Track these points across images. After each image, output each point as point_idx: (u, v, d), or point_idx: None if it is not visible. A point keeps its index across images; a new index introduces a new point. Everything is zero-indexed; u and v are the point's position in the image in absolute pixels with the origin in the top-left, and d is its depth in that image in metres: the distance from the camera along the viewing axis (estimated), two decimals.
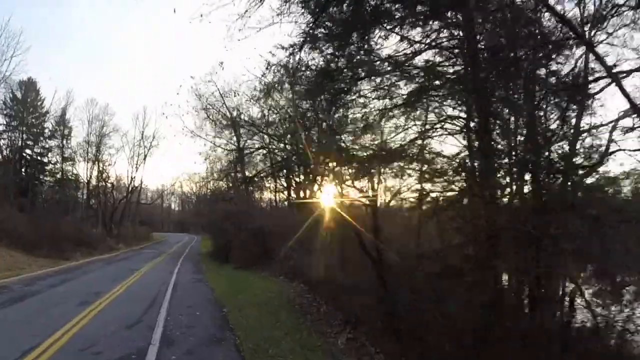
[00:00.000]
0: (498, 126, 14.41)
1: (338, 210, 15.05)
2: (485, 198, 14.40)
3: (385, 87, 14.24)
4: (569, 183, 13.16)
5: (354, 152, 13.37)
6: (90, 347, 8.58)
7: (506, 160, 14.37)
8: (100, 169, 54.09)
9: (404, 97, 14.67)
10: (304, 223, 22.42)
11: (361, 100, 14.06)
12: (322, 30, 12.70)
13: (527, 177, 14.14)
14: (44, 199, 50.54)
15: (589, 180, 13.08)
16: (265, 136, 14.80)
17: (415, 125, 15.70)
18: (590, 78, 12.87)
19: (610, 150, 11.71)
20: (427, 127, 15.67)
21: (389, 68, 13.57)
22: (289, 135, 14.17)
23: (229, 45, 14.01)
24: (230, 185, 37.40)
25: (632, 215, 11.20)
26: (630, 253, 11.09)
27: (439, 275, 13.95)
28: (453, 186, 15.30)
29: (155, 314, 12.06)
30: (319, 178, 14.26)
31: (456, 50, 13.80)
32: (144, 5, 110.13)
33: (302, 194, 30.35)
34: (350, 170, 14.10)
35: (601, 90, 12.79)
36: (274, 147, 16.01)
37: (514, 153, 14.39)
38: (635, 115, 10.58)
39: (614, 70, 11.27)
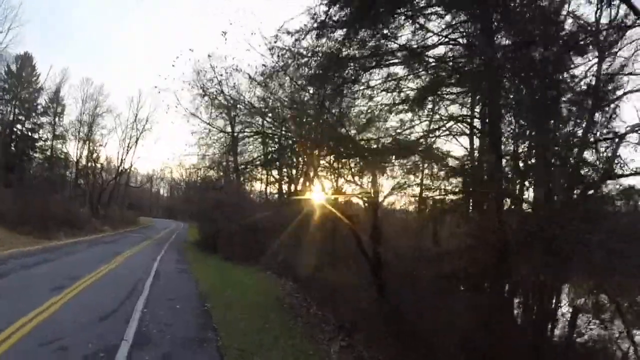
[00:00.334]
0: (510, 129, 13.74)
1: (333, 206, 14.27)
2: (495, 202, 13.76)
3: (395, 79, 13.44)
4: (584, 192, 12.55)
5: (363, 144, 12.45)
6: (55, 342, 7.65)
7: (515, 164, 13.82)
8: (91, 148, 53.69)
9: (414, 91, 13.89)
10: (295, 218, 21.67)
11: (368, 92, 13.25)
12: (336, 11, 11.90)
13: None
14: (32, 175, 49.44)
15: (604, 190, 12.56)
16: (264, 120, 13.96)
17: (423, 123, 15.00)
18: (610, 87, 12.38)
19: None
20: (435, 126, 14.93)
21: (401, 59, 12.76)
22: (289, 123, 13.10)
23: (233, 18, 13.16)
24: (222, 174, 36.51)
25: None
26: None
27: (445, 278, 13.28)
28: (459, 188, 14.68)
29: (132, 305, 11.10)
30: (314, 171, 13.26)
31: (472, 48, 13.07)
32: None
33: (294, 188, 29.57)
34: (352, 165, 13.35)
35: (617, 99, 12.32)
36: (271, 132, 15.02)
37: (525, 157, 13.71)
38: None
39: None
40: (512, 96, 13.08)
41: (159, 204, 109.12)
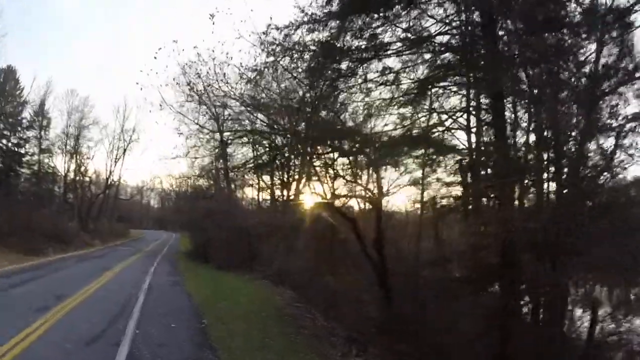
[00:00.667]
0: (515, 123, 13.14)
1: (331, 210, 13.60)
2: (499, 199, 13.18)
3: (393, 72, 12.81)
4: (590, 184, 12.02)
5: (370, 136, 11.76)
6: None
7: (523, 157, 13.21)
8: (79, 162, 52.73)
9: (413, 84, 13.29)
10: (289, 223, 21.01)
11: (366, 86, 12.58)
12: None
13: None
14: (19, 191, 48.41)
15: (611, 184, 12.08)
16: (257, 118, 13.26)
17: (421, 118, 14.41)
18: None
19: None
20: (435, 121, 14.34)
21: (401, 48, 12.14)
22: (284, 120, 12.32)
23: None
24: (212, 182, 35.78)
25: None
26: None
27: (452, 281, 12.69)
28: (464, 184, 14.08)
29: (123, 325, 10.27)
30: (310, 173, 12.55)
31: (474, 36, 12.50)
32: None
33: (287, 193, 28.87)
34: (353, 162, 12.65)
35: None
36: (264, 131, 14.18)
37: (532, 152, 13.12)
38: None
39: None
40: (517, 87, 12.59)
41: (150, 215, 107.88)
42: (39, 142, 49.64)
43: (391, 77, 12.84)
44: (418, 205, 16.93)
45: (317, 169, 12.34)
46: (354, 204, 16.07)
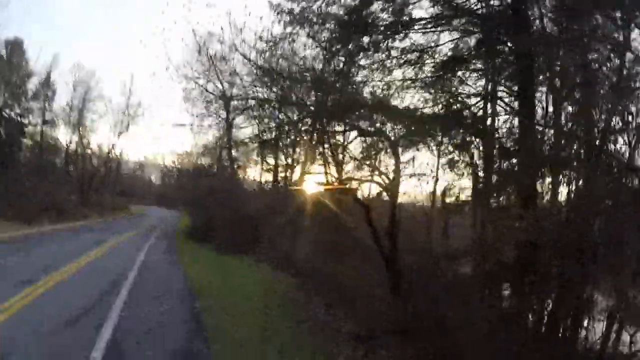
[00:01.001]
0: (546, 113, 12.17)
1: (343, 193, 12.67)
2: (520, 193, 12.33)
3: (418, 50, 11.81)
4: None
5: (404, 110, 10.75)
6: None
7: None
8: (81, 134, 52.35)
9: (437, 65, 12.31)
10: (294, 206, 20.16)
11: (390, 63, 11.56)
12: None
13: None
14: (20, 161, 47.79)
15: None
16: (270, 89, 12.15)
17: (443, 102, 13.46)
18: None
19: None
20: (458, 107, 13.38)
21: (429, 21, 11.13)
22: (300, 92, 11.25)
23: None
24: (215, 162, 35.48)
25: None
26: None
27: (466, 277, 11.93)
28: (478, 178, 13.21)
29: (109, 304, 9.33)
30: (325, 152, 11.55)
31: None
32: None
33: (291, 175, 27.97)
34: (369, 143, 11.66)
35: None
36: (275, 101, 13.03)
37: (562, 147, 12.13)
38: None
39: None
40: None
41: (151, 192, 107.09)
42: (42, 114, 49.32)
43: (415, 56, 11.91)
44: (430, 195, 16.06)
45: (329, 149, 11.29)
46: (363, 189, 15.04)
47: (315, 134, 12.01)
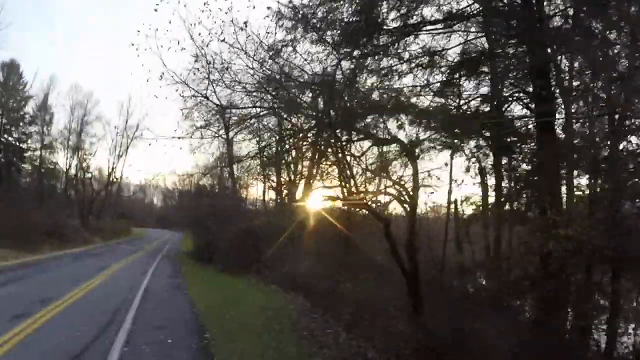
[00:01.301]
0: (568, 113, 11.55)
1: (360, 207, 12.03)
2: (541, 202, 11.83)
3: (430, 54, 11.23)
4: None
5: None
6: None
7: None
8: (81, 158, 52.59)
9: (447, 70, 11.76)
10: (301, 223, 19.55)
11: (402, 67, 10.95)
12: None
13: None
14: (20, 186, 47.41)
15: None
16: (275, 95, 11.31)
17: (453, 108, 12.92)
18: None
19: None
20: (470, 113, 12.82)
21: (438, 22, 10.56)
22: (308, 98, 10.52)
23: None
24: (216, 182, 35.12)
25: None
26: None
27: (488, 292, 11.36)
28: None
29: (111, 338, 8.56)
30: (341, 164, 10.85)
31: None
32: None
33: (295, 191, 27.28)
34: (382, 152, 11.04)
35: None
36: (281, 109, 12.12)
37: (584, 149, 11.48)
38: None
39: None
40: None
41: (153, 214, 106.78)
42: (41, 138, 49.77)
43: (425, 60, 11.36)
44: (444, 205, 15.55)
45: (340, 160, 10.61)
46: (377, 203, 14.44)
47: (322, 145, 11.31)
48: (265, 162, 22.79)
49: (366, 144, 11.41)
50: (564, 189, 11.40)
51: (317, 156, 15.72)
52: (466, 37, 12.04)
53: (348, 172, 9.99)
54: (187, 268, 25.76)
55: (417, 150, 10.31)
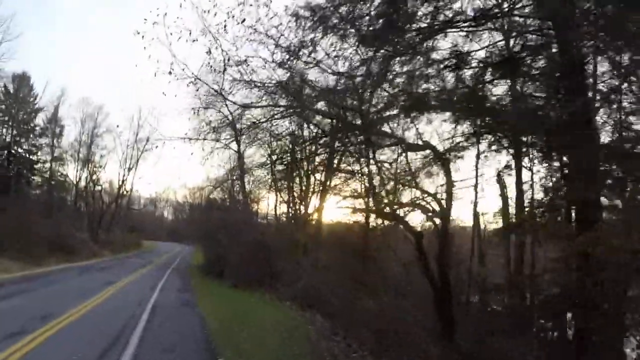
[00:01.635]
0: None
1: (389, 218, 11.21)
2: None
3: (457, 55, 10.43)
4: None
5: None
6: None
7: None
8: (91, 170, 52.44)
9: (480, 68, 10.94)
10: (316, 235, 18.80)
11: (429, 71, 10.13)
12: None
13: None
14: (29, 198, 47.05)
15: None
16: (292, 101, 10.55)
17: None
18: None
19: None
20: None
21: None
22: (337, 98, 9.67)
23: None
24: (227, 196, 34.75)
25: None
26: None
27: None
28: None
29: None
30: (372, 173, 10.05)
31: None
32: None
33: (307, 204, 26.53)
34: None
35: None
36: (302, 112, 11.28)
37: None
38: None
39: None
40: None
41: (163, 227, 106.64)
42: (51, 150, 49.49)
43: (452, 62, 10.55)
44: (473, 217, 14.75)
45: (369, 168, 9.78)
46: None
47: (344, 152, 10.54)
48: (277, 173, 22.06)
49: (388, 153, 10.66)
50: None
51: (335, 164, 14.91)
52: (492, 38, 11.21)
53: (376, 181, 9.15)
54: (198, 283, 25.06)
55: (450, 156, 9.45)
